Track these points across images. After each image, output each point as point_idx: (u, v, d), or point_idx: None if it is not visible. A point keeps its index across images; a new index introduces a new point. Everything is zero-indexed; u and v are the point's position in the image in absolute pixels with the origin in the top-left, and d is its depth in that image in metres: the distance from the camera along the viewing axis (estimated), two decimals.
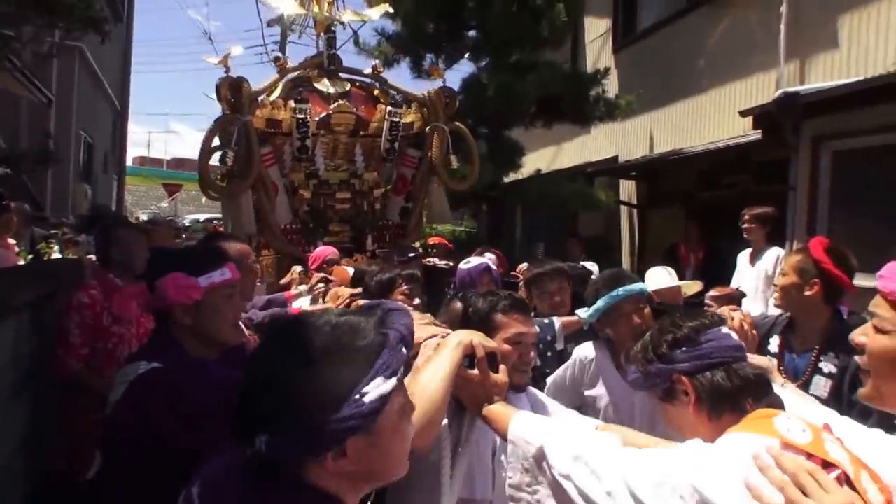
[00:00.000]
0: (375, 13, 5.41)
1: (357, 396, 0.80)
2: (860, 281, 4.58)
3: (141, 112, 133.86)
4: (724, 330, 1.29)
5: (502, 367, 1.43)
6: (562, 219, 10.09)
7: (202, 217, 16.02)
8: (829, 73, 5.97)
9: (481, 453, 1.63)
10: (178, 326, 1.57)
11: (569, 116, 8.43)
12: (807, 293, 2.16)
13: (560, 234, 9.04)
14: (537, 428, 1.30)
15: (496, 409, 1.37)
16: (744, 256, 4.65)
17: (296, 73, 4.79)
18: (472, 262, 3.56)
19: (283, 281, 4.06)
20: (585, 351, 2.35)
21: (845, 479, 1.02)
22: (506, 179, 8.88)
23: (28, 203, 7.96)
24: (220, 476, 0.89)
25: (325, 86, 4.71)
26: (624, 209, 9.32)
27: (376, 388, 0.82)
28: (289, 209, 4.61)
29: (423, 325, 1.73)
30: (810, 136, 4.90)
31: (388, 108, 4.61)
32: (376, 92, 4.92)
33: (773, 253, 4.41)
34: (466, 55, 8.70)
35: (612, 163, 9.36)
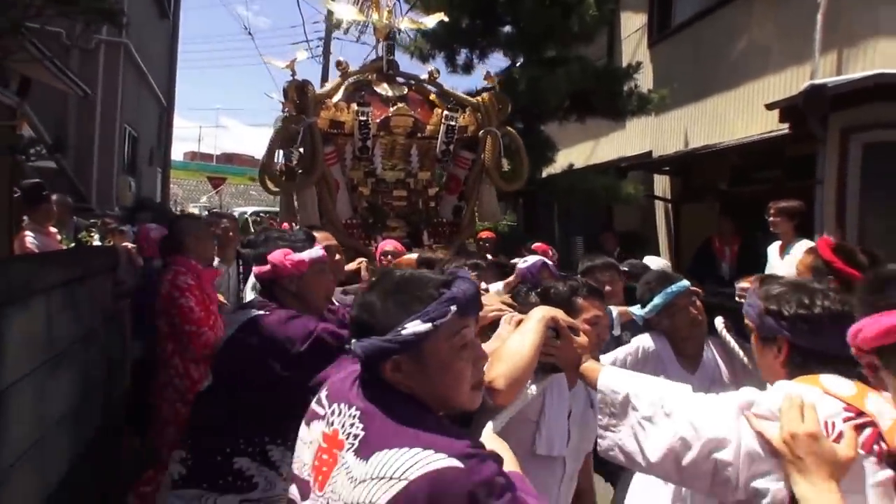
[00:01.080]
0: (432, 21, 5.64)
1: (399, 328, 1.10)
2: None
3: (192, 107, 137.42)
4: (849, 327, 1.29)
5: (583, 331, 1.66)
6: (598, 213, 10.11)
7: (250, 210, 16.50)
8: (867, 65, 5.86)
9: (558, 415, 1.86)
10: (283, 292, 2.06)
11: (601, 111, 8.46)
12: None
13: (596, 228, 9.08)
14: (622, 379, 1.52)
15: (587, 366, 1.59)
16: (774, 249, 4.65)
17: (356, 77, 5.02)
18: (530, 260, 3.80)
19: (347, 267, 4.32)
20: (646, 341, 2.53)
21: (877, 433, 1.17)
22: (544, 174, 9.01)
23: (72, 195, 8.39)
24: (340, 381, 1.23)
25: (383, 89, 4.93)
26: (659, 204, 9.28)
27: (413, 327, 1.10)
28: (349, 205, 4.86)
29: (494, 298, 2.04)
30: (838, 127, 4.86)
31: (446, 112, 4.80)
32: (432, 96, 5.14)
33: (802, 246, 4.39)
34: (500, 51, 8.86)
35: (646, 158, 9.34)
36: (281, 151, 4.96)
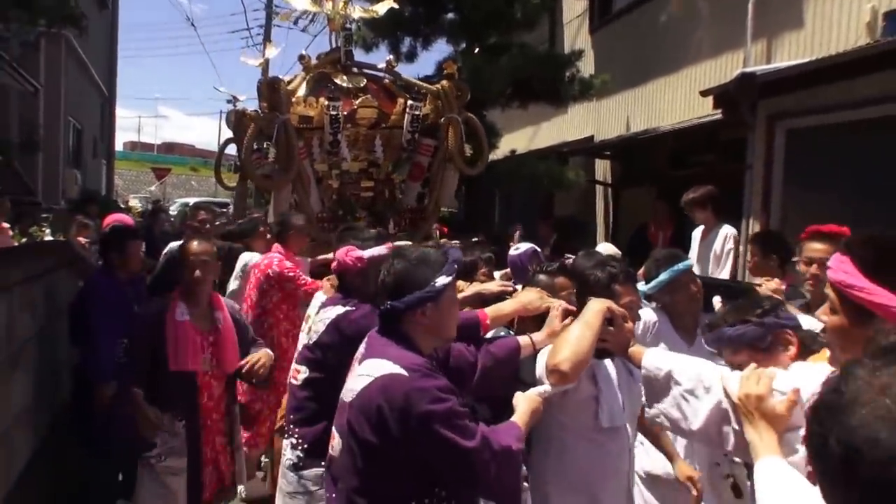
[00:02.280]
0: (383, 8, 5.55)
1: (432, 283, 1.64)
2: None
3: (130, 96, 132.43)
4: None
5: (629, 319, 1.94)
6: (538, 199, 10.21)
7: (191, 201, 16.11)
8: (794, 52, 6.06)
9: (611, 389, 2.11)
10: (350, 285, 2.43)
11: (544, 97, 8.51)
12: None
13: (536, 214, 9.16)
14: (664, 358, 1.77)
15: (633, 350, 1.82)
16: (697, 234, 4.77)
17: (317, 72, 4.95)
18: (521, 247, 3.96)
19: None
20: (648, 315, 2.67)
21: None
22: (491, 158, 8.99)
23: (19, 189, 8.14)
24: (372, 336, 1.76)
25: (342, 80, 4.88)
26: (599, 189, 9.44)
27: (441, 280, 1.65)
28: (318, 199, 4.84)
29: (534, 292, 2.25)
30: (765, 114, 5.01)
31: (410, 101, 4.78)
32: (388, 86, 5.09)
33: (722, 232, 4.52)
34: (444, 38, 8.80)
35: (588, 143, 9.47)
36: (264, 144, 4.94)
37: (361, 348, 1.75)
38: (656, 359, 1.76)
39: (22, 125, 9.90)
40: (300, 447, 2.33)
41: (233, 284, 4.29)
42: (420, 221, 5.08)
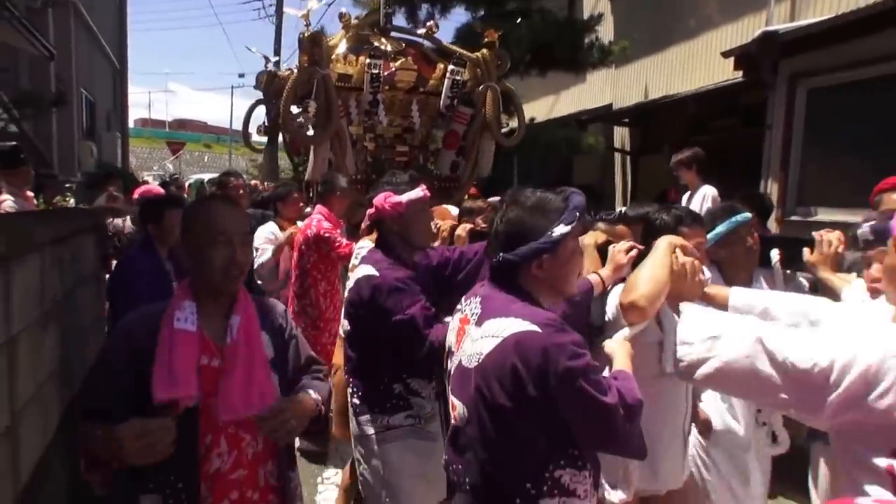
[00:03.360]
0: None
1: (549, 233, 1.48)
2: (835, 216, 4.81)
3: (139, 72, 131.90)
4: None
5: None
6: (557, 167, 10.26)
7: (206, 176, 16.22)
8: (819, 9, 6.03)
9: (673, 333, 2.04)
10: (389, 232, 2.32)
11: (563, 64, 8.50)
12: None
13: (556, 182, 9.23)
14: (755, 296, 1.84)
15: (715, 291, 1.91)
16: (685, 198, 4.90)
17: (356, 31, 4.94)
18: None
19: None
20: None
21: None
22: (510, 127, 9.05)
23: (35, 160, 8.16)
24: (479, 286, 1.67)
25: (382, 43, 4.85)
26: (618, 156, 9.47)
27: (559, 230, 1.48)
28: (353, 161, 4.79)
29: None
30: (787, 74, 5.04)
31: (451, 66, 4.75)
32: (426, 51, 5.10)
33: (701, 192, 4.67)
34: (462, 4, 8.77)
35: (606, 110, 9.48)
36: (261, 109, 4.94)
37: (474, 307, 1.58)
38: (746, 296, 1.69)
39: (34, 88, 9.74)
40: (356, 395, 2.37)
41: (264, 256, 4.23)
42: (454, 189, 5.13)
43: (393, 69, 4.65)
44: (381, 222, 2.33)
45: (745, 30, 6.88)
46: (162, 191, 5.54)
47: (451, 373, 1.62)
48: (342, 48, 4.75)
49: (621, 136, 9.51)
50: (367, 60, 4.49)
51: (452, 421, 1.60)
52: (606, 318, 2.03)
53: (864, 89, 4.65)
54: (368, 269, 2.24)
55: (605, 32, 9.03)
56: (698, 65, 7.73)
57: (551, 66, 8.67)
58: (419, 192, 2.31)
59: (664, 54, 8.39)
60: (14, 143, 4.75)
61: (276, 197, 4.77)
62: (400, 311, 2.13)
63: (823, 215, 4.93)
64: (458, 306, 1.68)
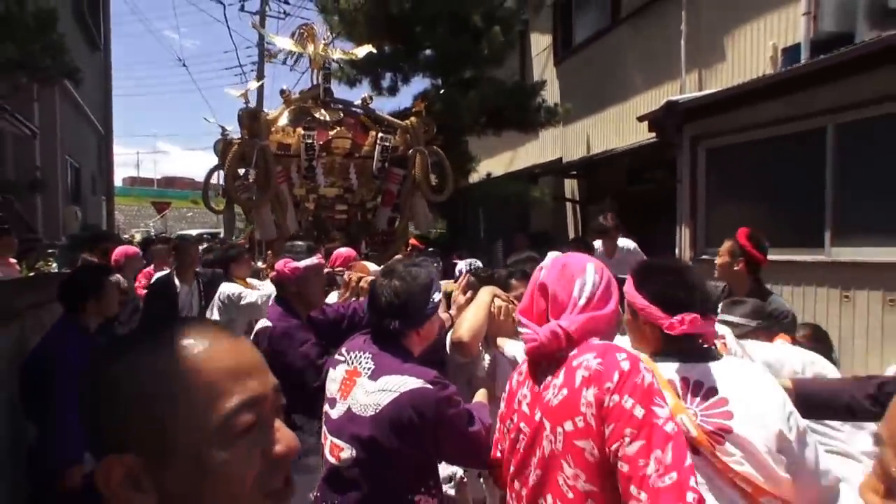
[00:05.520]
0: (362, 51, 6.39)
1: (432, 300, 1.82)
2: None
3: (129, 134, 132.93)
4: None
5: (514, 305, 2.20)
6: (516, 217, 11.10)
7: (194, 232, 16.72)
8: (721, 80, 7.03)
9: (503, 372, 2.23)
10: (287, 291, 2.62)
11: (514, 125, 9.45)
12: (735, 268, 3.13)
13: (515, 231, 10.03)
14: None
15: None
16: (600, 251, 5.47)
17: (297, 104, 5.60)
18: (461, 265, 4.53)
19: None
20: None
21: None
22: (471, 182, 9.92)
23: (21, 227, 8.57)
24: (353, 342, 1.87)
25: (321, 114, 5.59)
26: (568, 205, 10.35)
27: (436, 297, 1.84)
28: (295, 220, 5.41)
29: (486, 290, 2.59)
30: (689, 136, 5.93)
31: (380, 133, 5.48)
32: (364, 119, 5.85)
33: (622, 244, 5.36)
34: (422, 74, 9.72)
35: (556, 164, 10.41)
36: (218, 173, 5.54)
37: (366, 363, 1.76)
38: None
39: (18, 167, 10.12)
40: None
41: (214, 314, 4.21)
42: (390, 243, 5.83)
43: (329, 137, 5.36)
44: (281, 283, 2.65)
45: (665, 94, 7.87)
46: (136, 250, 5.57)
47: (335, 418, 1.75)
48: (284, 120, 5.42)
49: (571, 186, 10.41)
50: (302, 132, 5.21)
51: (333, 461, 1.72)
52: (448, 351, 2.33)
53: (751, 148, 5.53)
54: (265, 322, 2.57)
55: (553, 95, 10.04)
56: (630, 123, 8.70)
57: (504, 126, 9.62)
58: (315, 259, 2.66)
59: (602, 114, 9.38)
60: None
61: (229, 258, 4.78)
62: (293, 350, 2.43)
63: None
64: (341, 357, 1.85)
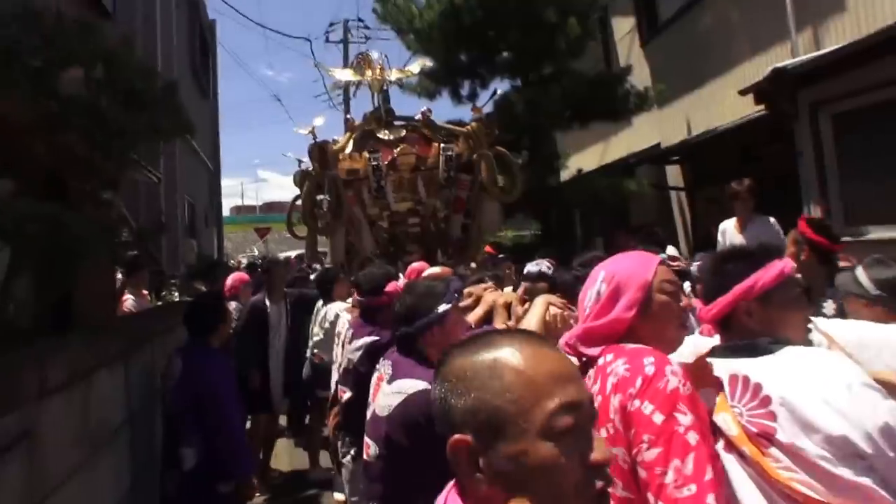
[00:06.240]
0: (416, 68, 6.44)
1: (435, 310, 1.98)
2: (878, 233, 4.80)
3: (233, 165, 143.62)
4: None
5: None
6: (617, 212, 10.43)
7: (293, 253, 17.57)
8: (841, 36, 6.10)
9: None
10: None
11: (601, 115, 8.87)
12: (802, 258, 2.84)
13: (616, 228, 9.41)
14: None
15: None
16: (730, 225, 4.91)
17: (361, 130, 5.78)
18: (531, 268, 4.39)
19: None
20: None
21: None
22: (562, 180, 9.46)
23: (149, 261, 9.50)
24: (391, 351, 2.11)
25: (384, 134, 5.72)
26: (673, 194, 9.54)
27: (442, 308, 1.99)
28: (371, 239, 5.57)
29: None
30: (808, 103, 5.15)
31: (442, 144, 5.45)
32: (427, 133, 5.82)
33: (762, 221, 4.68)
34: (500, 77, 9.42)
35: (654, 150, 9.64)
36: (318, 197, 5.76)
37: (387, 369, 2.01)
38: None
39: (148, 208, 11.48)
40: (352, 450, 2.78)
41: (318, 335, 4.50)
42: (465, 249, 5.68)
43: (394, 155, 5.37)
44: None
45: (774, 59, 6.97)
46: (247, 277, 5.99)
47: (368, 419, 2.04)
48: (350, 147, 5.57)
49: (673, 174, 9.60)
50: (368, 155, 5.24)
51: (365, 457, 2.03)
52: None
53: (886, 110, 4.70)
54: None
55: (642, 78, 9.33)
56: (735, 97, 7.84)
57: (591, 118, 9.06)
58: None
59: (701, 91, 8.56)
60: (135, 252, 5.60)
61: (329, 279, 4.84)
62: None
63: (876, 233, 4.88)
64: (377, 366, 2.13)
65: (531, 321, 2.10)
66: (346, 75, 6.08)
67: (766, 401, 1.24)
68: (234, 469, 2.80)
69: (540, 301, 2.16)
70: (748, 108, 7.48)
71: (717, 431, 1.27)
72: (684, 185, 9.35)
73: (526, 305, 2.43)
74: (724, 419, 1.27)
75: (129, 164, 3.18)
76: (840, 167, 5.08)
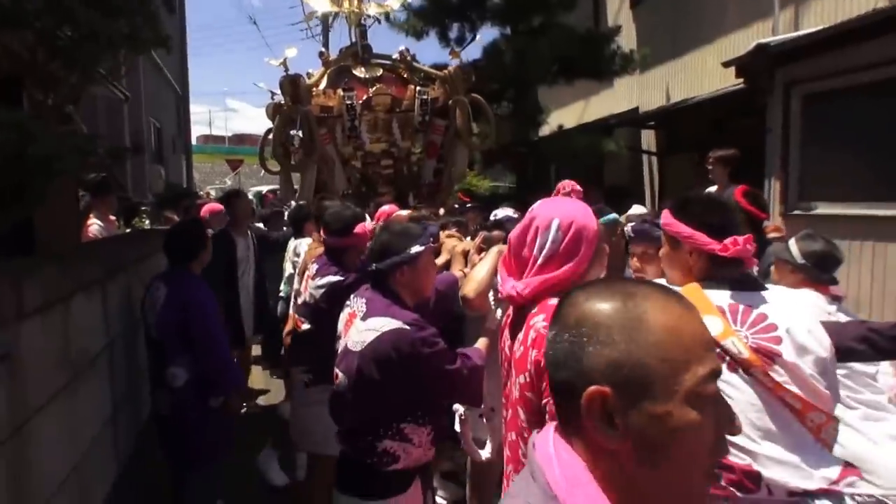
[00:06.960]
0: (396, 3, 6.22)
1: (408, 250, 1.99)
2: (828, 209, 5.18)
3: (200, 92, 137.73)
4: None
5: None
6: (592, 171, 10.72)
7: (264, 188, 17.34)
8: (820, 19, 6.38)
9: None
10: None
11: (587, 73, 9.02)
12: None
13: (587, 183, 9.70)
14: None
15: None
16: (712, 191, 5.23)
17: (336, 65, 5.69)
18: (499, 213, 4.50)
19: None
20: None
21: None
22: (542, 134, 9.61)
23: (114, 187, 9.27)
24: (363, 289, 2.12)
25: (360, 72, 5.63)
26: (645, 158, 9.87)
27: (415, 248, 2.00)
28: (343, 178, 5.57)
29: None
30: (783, 81, 5.43)
31: (417, 87, 5.45)
32: (404, 74, 5.81)
33: (728, 191, 4.95)
34: (489, 23, 9.40)
35: (633, 114, 9.90)
36: (290, 132, 5.72)
37: (360, 306, 2.03)
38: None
39: (112, 130, 11.01)
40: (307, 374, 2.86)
41: (289, 270, 4.42)
42: (436, 194, 5.81)
43: (369, 94, 5.35)
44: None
45: (755, 35, 7.23)
46: (221, 207, 5.51)
47: (338, 351, 2.08)
48: (324, 83, 5.47)
49: (648, 138, 9.91)
50: (342, 93, 5.23)
51: (334, 386, 2.07)
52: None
53: (854, 94, 5.01)
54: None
55: (628, 40, 9.48)
56: (715, 68, 8.09)
57: (577, 75, 9.21)
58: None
59: (683, 60, 8.78)
60: (103, 174, 5.25)
61: (302, 216, 4.64)
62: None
63: (823, 209, 5.28)
64: (348, 303, 2.14)
65: (482, 270, 2.17)
66: (323, 5, 5.76)
67: (772, 327, 1.44)
68: (225, 384, 2.87)
69: (494, 251, 2.23)
70: (726, 81, 7.76)
71: (722, 353, 1.43)
72: (657, 150, 9.67)
73: (483, 254, 2.46)
74: (733, 342, 1.43)
75: (93, 76, 2.86)
76: (803, 145, 5.41)
